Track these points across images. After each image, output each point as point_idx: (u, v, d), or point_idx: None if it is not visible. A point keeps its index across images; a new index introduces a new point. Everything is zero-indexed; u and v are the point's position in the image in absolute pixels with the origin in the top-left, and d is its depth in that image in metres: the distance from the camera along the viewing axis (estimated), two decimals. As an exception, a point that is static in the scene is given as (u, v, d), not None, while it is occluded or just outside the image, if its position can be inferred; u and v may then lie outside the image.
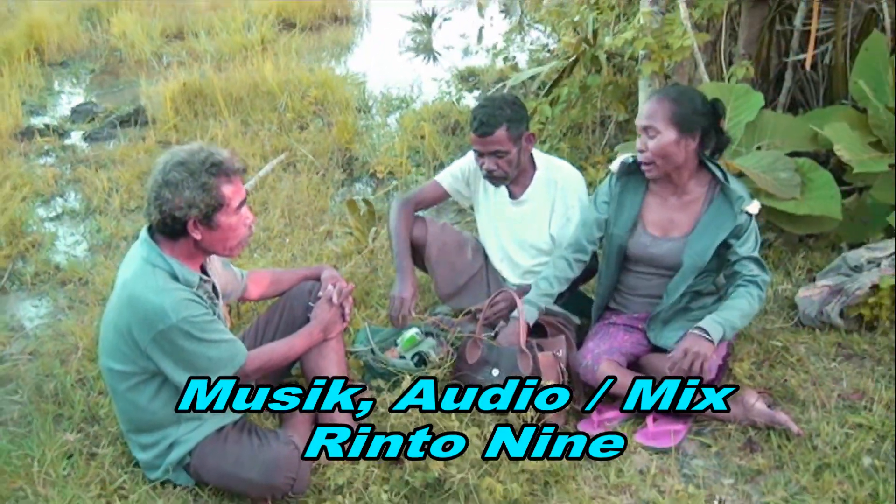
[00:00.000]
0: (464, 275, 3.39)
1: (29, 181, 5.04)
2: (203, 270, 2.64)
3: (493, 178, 3.13)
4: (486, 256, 3.44)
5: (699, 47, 4.25)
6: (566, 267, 3.06)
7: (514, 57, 5.92)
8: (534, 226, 3.22)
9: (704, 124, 2.83)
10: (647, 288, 3.02)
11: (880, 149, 3.66)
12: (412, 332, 3.15)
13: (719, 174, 2.85)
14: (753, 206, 2.84)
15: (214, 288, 2.66)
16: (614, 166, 3.03)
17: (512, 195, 3.24)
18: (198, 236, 2.46)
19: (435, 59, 8.33)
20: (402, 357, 3.09)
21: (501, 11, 8.54)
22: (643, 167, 2.86)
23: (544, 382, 2.79)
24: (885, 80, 3.77)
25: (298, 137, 5.56)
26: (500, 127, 3.00)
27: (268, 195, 4.79)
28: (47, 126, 6.09)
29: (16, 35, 7.68)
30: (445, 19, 9.20)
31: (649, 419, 2.83)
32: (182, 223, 2.42)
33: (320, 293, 2.90)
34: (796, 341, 3.17)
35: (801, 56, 4.47)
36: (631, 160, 2.95)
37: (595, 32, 4.68)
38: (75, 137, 6.07)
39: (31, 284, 4.00)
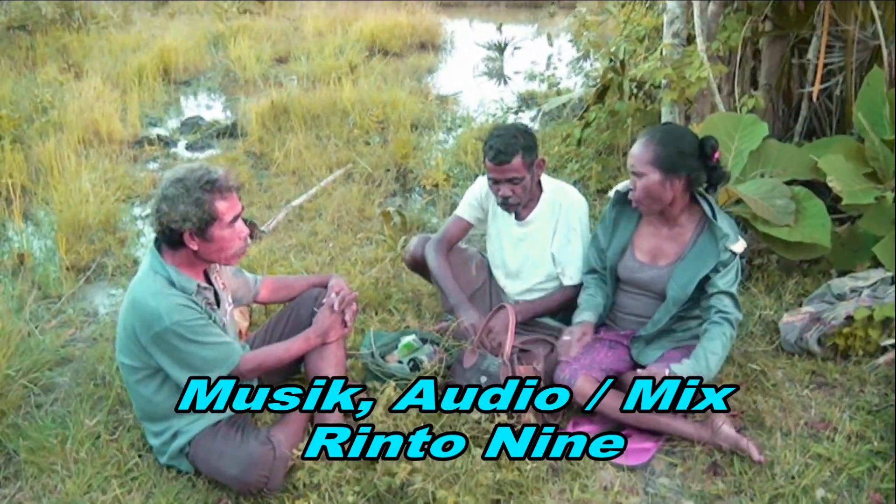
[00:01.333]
0: (467, 289, 3.17)
1: (130, 184, 5.08)
2: (207, 278, 2.53)
3: (508, 206, 2.92)
4: (490, 273, 3.22)
5: (715, 78, 3.88)
6: (593, 283, 2.85)
7: (559, 82, 5.62)
8: (537, 246, 2.99)
9: (692, 164, 2.55)
10: (635, 308, 2.77)
11: (875, 180, 3.26)
12: (410, 338, 2.98)
13: (708, 211, 2.55)
14: (738, 246, 2.55)
15: (217, 295, 2.54)
16: (611, 194, 2.82)
17: (518, 217, 3.02)
18: (195, 247, 2.36)
19: (505, 82, 8.08)
20: (400, 362, 2.91)
21: (570, 41, 8.26)
22: (635, 204, 2.62)
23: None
24: (883, 113, 3.35)
25: (361, 151, 5.43)
26: (517, 155, 2.79)
27: (324, 202, 4.68)
28: (159, 136, 6.16)
29: (149, 58, 7.83)
30: (516, 48, 8.91)
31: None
32: (179, 234, 2.33)
33: (325, 300, 2.76)
34: (775, 366, 2.82)
35: (824, 85, 4.07)
36: (624, 190, 2.70)
37: (623, 62, 4.35)
38: (180, 147, 6.11)
39: (111, 276, 3.99)
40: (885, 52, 3.57)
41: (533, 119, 6.18)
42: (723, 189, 3.37)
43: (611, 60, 4.73)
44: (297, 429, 2.58)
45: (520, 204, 2.90)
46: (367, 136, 5.70)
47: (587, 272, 2.87)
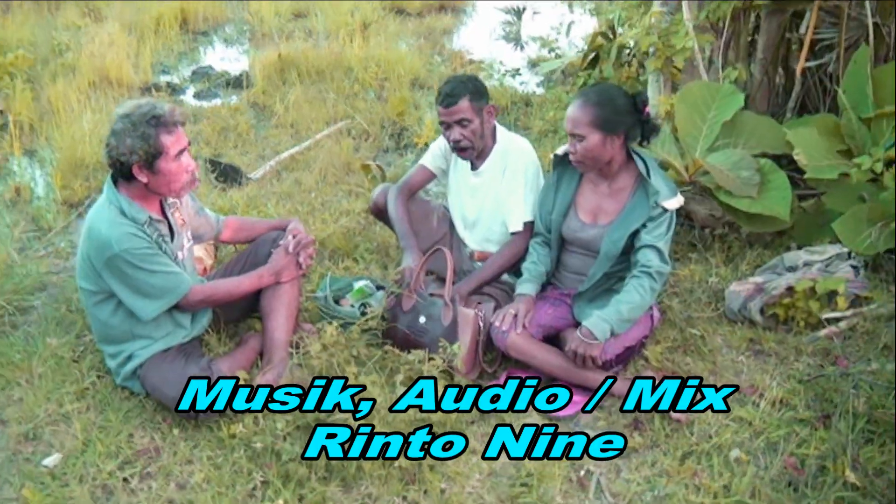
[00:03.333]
0: (428, 240, 3.25)
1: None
2: (163, 212, 2.63)
3: (460, 150, 2.97)
4: (451, 225, 3.29)
5: (702, 48, 3.87)
6: (537, 249, 2.88)
7: (558, 47, 5.61)
8: (490, 195, 3.05)
9: (628, 121, 2.61)
10: (579, 266, 2.82)
11: (848, 157, 3.24)
12: (362, 283, 3.08)
13: (642, 168, 2.60)
14: (671, 202, 2.59)
15: (171, 228, 2.65)
16: (551, 157, 2.88)
17: (473, 166, 3.09)
18: (144, 179, 2.47)
19: (522, 48, 8.03)
20: (353, 306, 3.01)
21: (590, 10, 8.20)
22: (575, 164, 2.66)
23: (460, 334, 2.68)
24: (866, 91, 3.32)
25: (360, 107, 5.49)
26: (464, 97, 2.88)
27: (315, 155, 4.74)
28: (168, 84, 6.27)
29: (168, 8, 7.91)
30: (535, 13, 8.84)
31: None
32: (128, 167, 2.44)
33: (281, 242, 2.86)
34: (715, 332, 2.88)
35: (817, 62, 4.04)
36: (561, 153, 2.75)
37: (613, 28, 4.35)
38: (188, 94, 6.22)
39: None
40: (870, 28, 3.53)
41: (539, 84, 6.18)
42: (694, 159, 3.41)
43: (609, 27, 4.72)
44: (241, 362, 2.70)
45: (472, 148, 2.96)
46: (367, 93, 5.75)
47: (534, 236, 2.92)
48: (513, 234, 3.00)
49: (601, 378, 2.61)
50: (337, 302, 3.06)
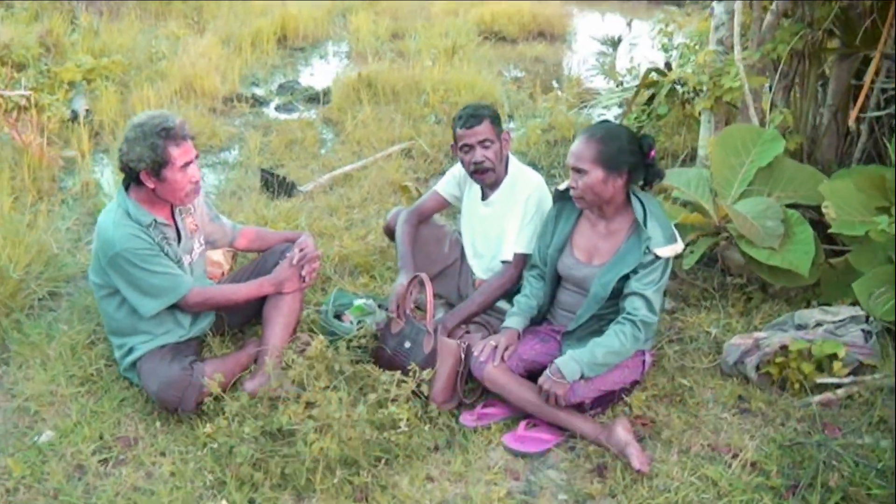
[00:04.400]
0: (438, 265, 3.36)
1: (208, 135, 5.58)
2: (172, 216, 2.85)
3: (483, 171, 3.05)
4: (463, 251, 3.36)
5: (753, 89, 3.78)
6: (531, 282, 2.92)
7: (623, 80, 5.59)
8: (497, 226, 3.12)
9: (632, 161, 2.61)
10: (571, 304, 2.83)
11: (887, 215, 3.09)
12: (362, 301, 3.20)
13: (639, 212, 2.59)
14: (665, 250, 2.57)
15: (179, 232, 2.86)
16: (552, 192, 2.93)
17: (484, 196, 3.16)
18: (151, 185, 2.69)
19: (616, 81, 8.00)
20: (352, 322, 3.14)
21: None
22: (575, 200, 2.69)
23: (439, 364, 2.74)
24: (921, 146, 3.17)
25: (425, 130, 5.65)
26: (486, 119, 3.00)
27: (370, 173, 4.93)
28: (253, 96, 6.66)
29: (268, 23, 8.40)
30: (632, 44, 8.78)
31: (522, 424, 2.67)
32: (136, 173, 2.66)
33: (288, 254, 3.03)
34: (705, 385, 2.81)
35: (879, 113, 3.87)
36: (563, 188, 2.78)
37: (668, 64, 4.31)
38: (270, 107, 6.58)
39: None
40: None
41: (617, 118, 6.16)
42: (720, 205, 3.35)
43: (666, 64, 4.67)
44: (230, 367, 2.85)
45: (493, 170, 3.03)
46: (436, 116, 5.90)
47: (529, 269, 2.95)
48: (503, 263, 3.04)
49: (574, 419, 2.61)
50: (339, 317, 3.19)
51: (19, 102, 4.99)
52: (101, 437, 2.59)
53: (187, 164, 2.70)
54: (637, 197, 2.66)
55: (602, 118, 5.32)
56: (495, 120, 3.00)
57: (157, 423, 2.67)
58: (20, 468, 2.40)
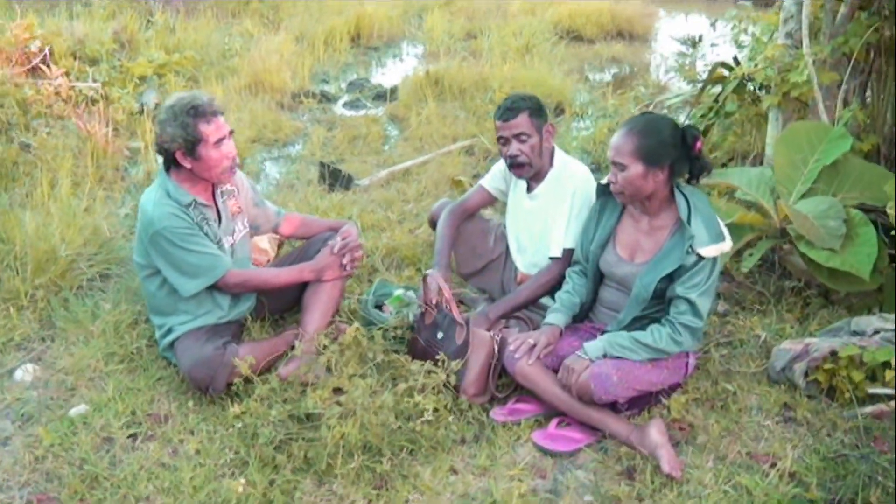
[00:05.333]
0: (482, 259, 3.35)
1: (273, 129, 5.74)
2: (214, 198, 2.93)
3: (517, 166, 3.02)
4: (508, 246, 3.34)
5: (822, 85, 3.63)
6: (574, 278, 2.88)
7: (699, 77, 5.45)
8: (541, 220, 3.08)
9: (674, 154, 2.54)
10: (613, 302, 2.78)
11: (961, 218, 2.92)
12: (400, 291, 3.23)
13: (683, 209, 2.52)
14: (709, 249, 2.49)
15: (220, 213, 2.94)
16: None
17: (529, 189, 3.13)
18: (188, 165, 2.78)
19: (693, 81, 7.82)
20: (391, 313, 3.16)
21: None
22: (615, 195, 2.65)
23: (470, 355, 2.74)
24: None
25: (489, 127, 5.64)
26: (523, 112, 2.96)
27: (429, 169, 4.96)
28: (322, 92, 6.81)
29: (342, 22, 8.56)
30: (713, 45, 8.55)
31: (554, 421, 2.64)
32: (171, 153, 2.76)
33: (331, 242, 3.09)
34: (750, 390, 2.71)
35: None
36: (605, 182, 2.73)
37: (737, 59, 4.18)
38: (338, 104, 6.71)
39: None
40: None
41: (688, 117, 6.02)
42: (781, 205, 3.23)
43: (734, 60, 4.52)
44: (266, 351, 2.91)
45: (529, 165, 2.99)
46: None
47: (572, 264, 2.91)
48: (551, 259, 3.01)
49: (606, 419, 2.56)
50: (380, 307, 3.23)
51: (90, 95, 5.23)
52: (132, 413, 2.69)
53: (220, 140, 2.77)
54: (682, 192, 2.58)
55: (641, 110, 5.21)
56: (535, 113, 2.95)
57: (190, 403, 2.76)
58: (50, 437, 2.51)
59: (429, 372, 2.64)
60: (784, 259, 3.35)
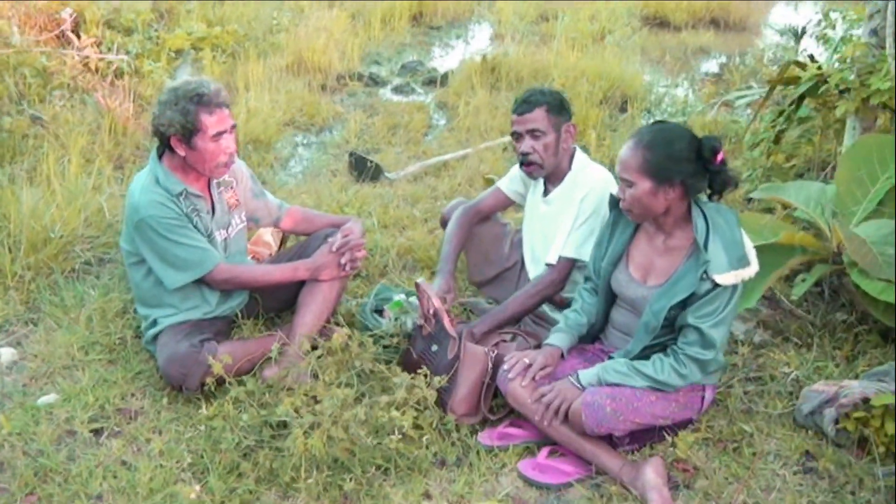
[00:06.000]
0: (495, 267, 3.37)
1: (312, 112, 5.86)
2: (210, 189, 3.01)
3: (527, 164, 3.03)
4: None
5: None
6: (584, 296, 2.85)
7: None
8: (553, 227, 3.06)
9: (688, 169, 2.47)
10: (624, 325, 2.75)
11: None
12: (400, 297, 3.25)
13: (700, 230, 2.46)
14: (726, 276, 2.42)
15: (214, 206, 3.02)
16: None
17: (545, 192, 3.12)
18: (182, 153, 2.87)
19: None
20: (390, 319, 3.20)
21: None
22: (624, 212, 2.62)
23: (461, 372, 2.75)
24: None
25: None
26: (540, 107, 2.96)
27: (468, 163, 4.99)
28: (371, 74, 6.90)
29: (401, 2, 8.66)
30: (817, 36, 8.27)
31: (545, 451, 2.62)
32: (166, 138, 2.85)
33: (331, 239, 3.14)
34: (770, 434, 2.63)
35: None
36: (617, 195, 2.69)
37: (812, 56, 4.05)
38: (386, 88, 6.80)
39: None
40: None
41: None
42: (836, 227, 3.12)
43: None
44: (250, 351, 2.97)
45: (540, 165, 2.98)
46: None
47: (585, 281, 2.88)
48: (546, 265, 2.99)
49: (599, 452, 2.52)
50: (381, 312, 3.26)
51: (119, 68, 5.44)
52: (101, 407, 2.79)
53: (220, 134, 2.84)
54: (701, 210, 2.52)
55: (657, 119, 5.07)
56: (554, 109, 2.94)
57: (164, 400, 2.85)
58: (10, 425, 2.63)
59: (412, 386, 2.66)
60: (838, 288, 3.23)
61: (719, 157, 2.46)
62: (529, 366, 2.65)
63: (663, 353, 2.52)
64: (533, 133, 2.95)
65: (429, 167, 4.98)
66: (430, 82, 6.85)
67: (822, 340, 3.07)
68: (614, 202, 2.72)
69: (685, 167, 2.46)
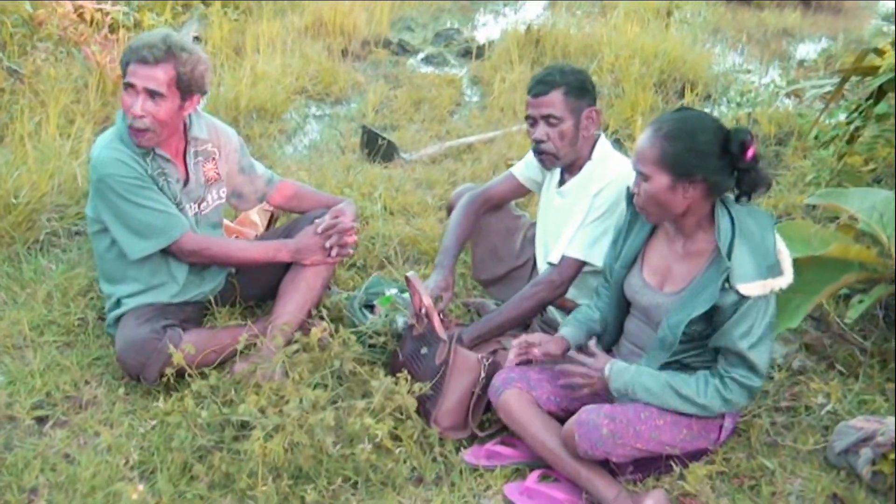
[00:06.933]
0: (504, 264, 3.37)
1: (329, 81, 5.92)
2: (185, 157, 3.05)
3: (540, 153, 3.02)
4: (537, 252, 3.34)
5: None
6: (602, 294, 2.86)
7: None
8: (568, 222, 3.04)
9: (711, 164, 2.43)
10: (637, 337, 2.73)
11: None
12: (392, 291, 3.28)
13: (724, 234, 2.44)
14: (752, 286, 2.38)
15: (189, 175, 3.07)
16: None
17: (561, 182, 3.12)
18: None
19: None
20: (381, 315, 3.22)
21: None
22: (638, 210, 2.60)
23: (449, 379, 2.77)
24: None
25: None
26: (557, 89, 2.93)
27: (496, 147, 5.03)
28: (400, 41, 6.95)
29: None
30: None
31: (535, 474, 2.63)
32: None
33: (318, 220, 3.18)
34: (794, 472, 2.60)
35: None
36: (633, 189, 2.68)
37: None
38: (417, 57, 6.85)
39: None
40: None
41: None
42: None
43: None
44: (218, 341, 3.01)
45: (555, 155, 2.98)
46: (600, 88, 5.84)
47: (603, 277, 2.88)
48: (549, 265, 3.00)
49: (595, 478, 2.52)
50: (372, 307, 3.29)
51: (118, 20, 5.54)
52: (48, 394, 2.86)
53: (127, 87, 2.85)
54: (728, 211, 2.49)
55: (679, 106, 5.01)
56: (574, 92, 2.91)
57: (121, 390, 2.90)
58: (-57, 407, 2.72)
59: (392, 391, 2.69)
60: (897, 311, 3.19)
61: (749, 152, 2.42)
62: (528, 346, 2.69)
63: (708, 370, 2.50)
64: (548, 119, 2.93)
65: (450, 149, 5.00)
66: (466, 53, 6.90)
67: (872, 370, 3.03)
68: (630, 197, 2.71)
69: (708, 162, 2.43)
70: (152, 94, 2.82)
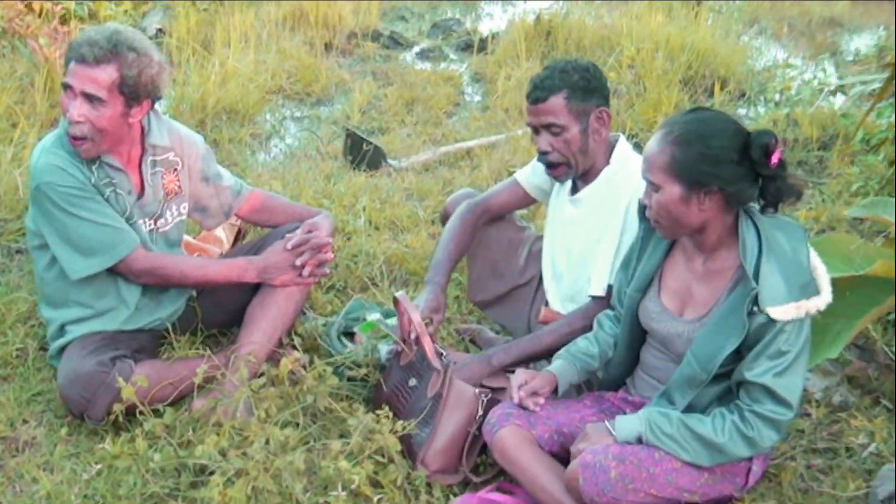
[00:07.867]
0: (505, 282, 3.37)
1: (308, 79, 5.96)
2: (140, 165, 3.06)
3: (549, 166, 3.02)
4: (543, 269, 3.35)
5: None
6: (604, 322, 2.87)
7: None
8: (583, 234, 3.04)
9: (729, 172, 2.43)
10: (657, 370, 2.73)
11: None
12: (375, 316, 3.29)
13: (750, 250, 2.44)
14: (783, 310, 2.37)
15: (143, 187, 3.07)
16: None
17: (574, 189, 3.11)
18: None
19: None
20: (362, 344, 3.23)
21: None
22: (653, 224, 2.60)
23: (441, 415, 2.77)
24: None
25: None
26: (557, 94, 2.89)
27: (498, 152, 5.05)
28: (392, 34, 7.00)
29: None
30: None
31: (532, 524, 2.64)
32: None
33: (288, 234, 3.18)
34: (832, 523, 2.60)
35: None
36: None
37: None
38: (410, 51, 6.89)
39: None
40: None
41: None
42: None
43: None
44: (173, 373, 3.00)
45: (566, 165, 2.97)
46: (619, 84, 5.87)
47: (611, 302, 2.88)
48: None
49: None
50: (353, 335, 3.30)
51: (69, 9, 5.59)
52: (-18, 435, 2.87)
53: (65, 87, 2.85)
54: (754, 224, 2.49)
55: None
56: (576, 94, 2.88)
57: (64, 431, 2.90)
58: None
59: (373, 430, 2.69)
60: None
61: (774, 157, 2.42)
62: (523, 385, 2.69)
63: (724, 407, 2.49)
64: (550, 128, 2.92)
65: (446, 155, 5.03)
66: (467, 47, 6.95)
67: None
68: (643, 210, 2.70)
69: (725, 170, 2.42)
70: (90, 98, 2.80)
